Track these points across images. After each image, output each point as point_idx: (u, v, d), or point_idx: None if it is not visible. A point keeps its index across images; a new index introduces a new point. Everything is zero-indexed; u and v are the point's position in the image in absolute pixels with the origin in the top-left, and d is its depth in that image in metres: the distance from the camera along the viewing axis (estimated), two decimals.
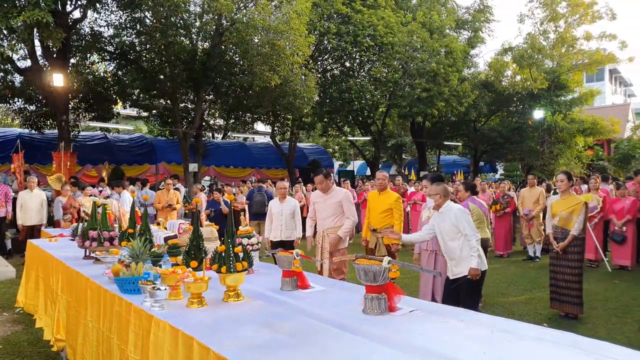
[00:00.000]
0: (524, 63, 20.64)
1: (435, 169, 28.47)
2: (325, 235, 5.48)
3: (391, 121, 25.62)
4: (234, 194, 12.49)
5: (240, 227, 3.96)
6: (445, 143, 27.48)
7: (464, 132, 25.48)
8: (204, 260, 3.17)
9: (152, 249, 3.70)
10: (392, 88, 18.70)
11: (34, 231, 9.16)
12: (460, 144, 27.77)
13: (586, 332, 4.57)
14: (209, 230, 4.14)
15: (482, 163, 28.98)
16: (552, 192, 9.00)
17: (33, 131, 15.67)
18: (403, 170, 27.63)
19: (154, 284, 2.88)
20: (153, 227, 5.44)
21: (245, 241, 3.97)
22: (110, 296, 3.19)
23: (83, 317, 3.69)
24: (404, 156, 31.98)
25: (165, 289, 2.79)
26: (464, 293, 4.14)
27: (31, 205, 9.38)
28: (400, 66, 19.01)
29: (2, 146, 15.03)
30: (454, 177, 20.23)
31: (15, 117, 18.10)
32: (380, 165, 25.83)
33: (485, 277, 4.19)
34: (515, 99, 22.86)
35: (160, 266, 3.53)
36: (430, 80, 18.61)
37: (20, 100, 14.98)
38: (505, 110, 24.07)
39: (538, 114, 20.59)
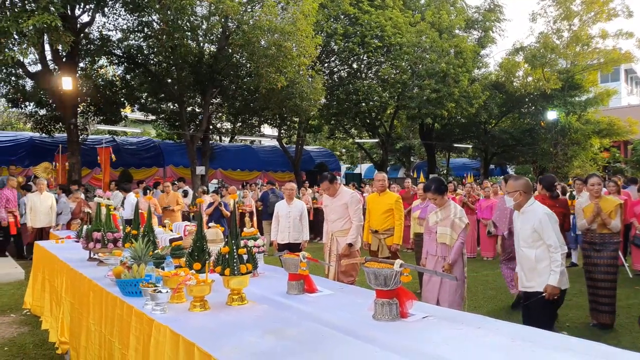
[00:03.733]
0: (537, 63, 20.39)
1: (445, 171, 28.24)
2: (334, 239, 5.42)
3: (399, 123, 25.47)
4: (241, 196, 12.44)
5: (245, 229, 3.86)
6: (455, 145, 27.25)
7: (474, 134, 25.25)
8: (207, 262, 3.07)
9: (156, 251, 3.61)
10: (401, 89, 18.56)
11: (42, 233, 9.17)
12: (470, 146, 27.52)
13: (608, 342, 4.38)
14: (213, 232, 4.04)
15: (492, 166, 28.67)
16: (567, 194, 8.76)
17: (44, 135, 15.75)
18: (412, 173, 27.44)
19: (156, 286, 2.78)
20: (158, 229, 5.36)
21: (250, 243, 3.86)
22: (112, 299, 3.10)
23: (86, 319, 3.62)
24: (412, 159, 31.77)
25: (167, 291, 2.69)
26: (535, 311, 3.68)
27: (40, 207, 9.40)
28: (409, 67, 18.87)
29: (14, 149, 15.15)
30: (464, 180, 20.01)
31: (27, 121, 18.23)
32: (388, 168, 25.66)
33: (564, 297, 3.74)
34: (527, 99, 22.59)
35: (162, 268, 3.43)
36: (440, 81, 18.45)
37: (31, 104, 15.08)
38: (517, 112, 23.78)
39: (551, 115, 20.29)
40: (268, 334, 2.26)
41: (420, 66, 18.72)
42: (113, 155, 14.28)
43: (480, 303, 6.44)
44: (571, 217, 7.66)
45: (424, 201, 6.61)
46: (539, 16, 22.06)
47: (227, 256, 2.76)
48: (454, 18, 21.23)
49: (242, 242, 3.15)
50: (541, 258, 3.60)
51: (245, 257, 2.83)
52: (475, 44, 22.32)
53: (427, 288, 4.72)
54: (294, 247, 5.92)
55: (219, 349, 2.04)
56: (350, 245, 5.26)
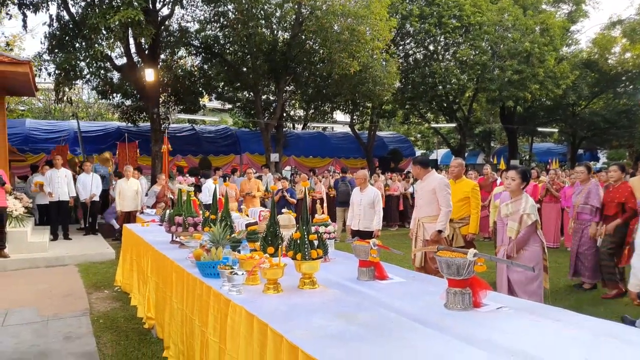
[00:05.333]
0: (637, 37, 18.50)
1: (527, 157, 26.70)
2: (420, 224, 5.30)
3: (479, 106, 24.34)
4: (312, 183, 12.62)
5: (316, 215, 3.90)
6: (539, 129, 25.61)
7: (561, 117, 23.59)
8: (280, 246, 3.15)
9: (232, 235, 3.76)
10: (480, 71, 17.66)
11: (130, 217, 9.88)
12: (556, 130, 25.75)
13: None
14: (286, 217, 4.13)
15: (581, 151, 26.64)
16: None
17: (129, 124, 16.87)
18: (491, 159, 26.23)
19: (232, 268, 2.90)
20: (235, 214, 5.59)
21: (321, 229, 3.91)
22: (193, 279, 3.28)
23: (169, 298, 3.86)
24: (492, 144, 30.32)
25: (243, 273, 2.80)
26: None
27: (128, 193, 10.11)
28: (489, 47, 17.91)
29: (103, 138, 16.41)
30: (548, 166, 18.81)
31: (114, 112, 19.63)
32: (466, 154, 24.71)
33: None
34: (624, 78, 20.67)
35: (239, 251, 3.57)
36: (523, 61, 17.36)
37: (117, 95, 16.19)
38: (611, 92, 21.85)
39: None
40: (338, 318, 2.29)
41: (501, 46, 17.69)
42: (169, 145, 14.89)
43: (561, 295, 6.10)
44: None
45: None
46: None
47: (298, 241, 2.81)
48: None
49: (313, 228, 3.19)
50: None
51: (316, 242, 2.87)
52: (564, 19, 20.70)
53: (496, 276, 4.60)
54: (364, 235, 5.90)
55: (291, 331, 2.10)
56: (439, 232, 5.12)
